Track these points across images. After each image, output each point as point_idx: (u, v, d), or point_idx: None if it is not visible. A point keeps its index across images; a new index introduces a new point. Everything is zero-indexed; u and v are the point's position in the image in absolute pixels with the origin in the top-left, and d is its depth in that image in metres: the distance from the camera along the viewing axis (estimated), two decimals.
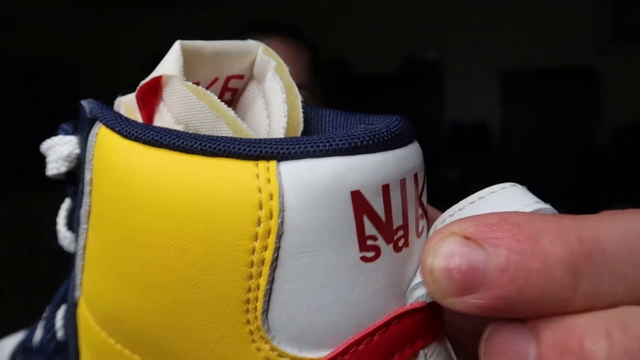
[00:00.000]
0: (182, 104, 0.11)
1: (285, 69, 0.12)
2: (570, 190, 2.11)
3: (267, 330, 0.10)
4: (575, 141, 2.11)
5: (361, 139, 0.09)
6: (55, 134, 0.14)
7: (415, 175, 0.10)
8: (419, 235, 0.11)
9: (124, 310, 0.10)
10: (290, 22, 0.62)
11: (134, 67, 2.67)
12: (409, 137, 0.10)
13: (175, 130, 0.10)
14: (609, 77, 2.02)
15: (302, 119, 0.11)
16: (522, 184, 0.12)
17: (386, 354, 0.10)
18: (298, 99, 0.11)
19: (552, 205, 0.11)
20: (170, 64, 0.11)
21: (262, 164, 0.09)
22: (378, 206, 0.09)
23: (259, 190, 0.09)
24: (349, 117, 0.13)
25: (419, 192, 0.11)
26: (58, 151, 0.14)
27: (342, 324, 0.10)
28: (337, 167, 0.09)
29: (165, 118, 0.11)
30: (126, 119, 0.11)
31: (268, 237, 0.09)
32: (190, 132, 0.10)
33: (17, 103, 2.26)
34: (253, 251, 0.09)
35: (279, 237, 0.09)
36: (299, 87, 0.12)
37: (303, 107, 0.12)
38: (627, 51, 2.02)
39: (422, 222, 0.11)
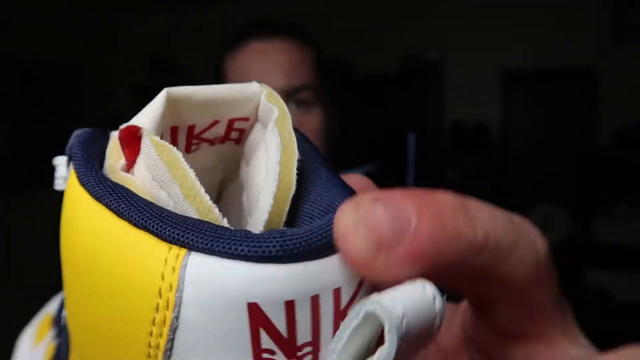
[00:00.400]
0: (149, 159, 0.10)
1: (288, 119, 0.11)
2: (570, 190, 2.11)
3: None
4: (575, 141, 2.11)
5: (274, 248, 0.09)
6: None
7: (337, 290, 0.09)
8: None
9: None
10: (293, 22, 0.62)
11: (134, 67, 2.67)
12: (334, 248, 0.09)
13: (120, 190, 0.10)
14: (609, 77, 2.02)
15: (295, 182, 0.11)
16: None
17: None
18: (294, 157, 0.11)
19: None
20: (149, 114, 0.11)
21: (175, 250, 0.09)
22: (278, 321, 0.09)
23: (162, 277, 0.09)
24: (335, 186, 0.12)
25: (342, 308, 0.10)
26: (60, 171, 0.14)
27: None
28: (239, 274, 0.08)
29: (141, 169, 0.11)
30: (88, 169, 0.10)
31: (164, 326, 0.09)
32: (162, 188, 0.10)
33: (16, 103, 2.26)
34: (151, 334, 0.09)
35: (174, 330, 0.09)
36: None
37: (299, 167, 0.11)
38: (627, 51, 2.02)
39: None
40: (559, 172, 2.15)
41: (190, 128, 0.12)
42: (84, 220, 0.10)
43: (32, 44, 2.34)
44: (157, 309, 0.09)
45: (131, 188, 0.10)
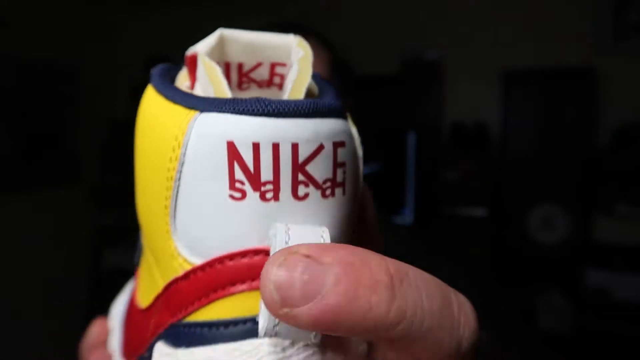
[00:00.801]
0: (199, 72, 0.14)
1: (309, 59, 0.14)
2: (570, 190, 2.11)
3: (173, 230, 0.13)
4: (575, 141, 2.11)
5: (251, 107, 0.12)
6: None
7: (295, 146, 0.12)
8: (297, 198, 0.12)
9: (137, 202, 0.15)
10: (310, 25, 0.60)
11: (134, 67, 2.67)
12: (306, 114, 0.12)
13: (173, 88, 0.14)
14: (610, 77, 2.02)
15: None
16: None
17: (237, 279, 0.13)
18: (305, 83, 0.14)
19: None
20: (204, 45, 0.14)
21: (191, 112, 0.12)
22: (247, 158, 0.12)
23: (179, 127, 0.12)
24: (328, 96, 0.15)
25: (300, 162, 0.12)
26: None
27: (217, 246, 0.13)
28: (222, 122, 0.12)
29: (197, 84, 0.15)
30: (156, 78, 0.15)
31: (176, 161, 0.13)
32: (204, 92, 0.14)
33: (16, 103, 2.26)
34: (169, 169, 0.13)
35: (182, 164, 0.12)
36: None
37: (315, 84, 0.15)
38: (627, 51, 2.02)
39: (306, 189, 0.12)
40: (559, 172, 2.15)
41: (240, 66, 0.15)
42: (148, 107, 0.14)
43: (32, 44, 2.34)
44: (173, 149, 0.13)
45: None
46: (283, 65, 0.15)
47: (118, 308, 0.22)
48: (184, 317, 0.13)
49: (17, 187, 2.07)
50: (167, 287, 0.14)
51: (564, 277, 2.06)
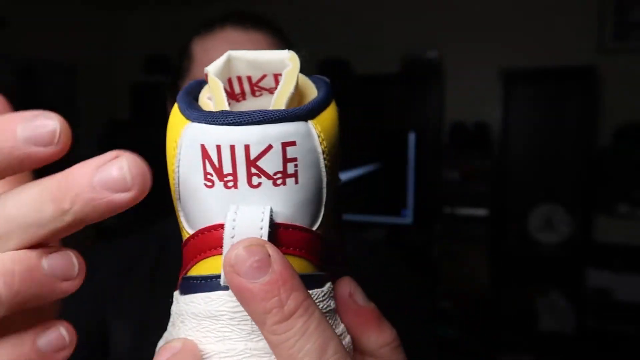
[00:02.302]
0: (207, 90, 0.18)
1: (295, 71, 0.17)
2: (571, 189, 2.11)
3: (180, 209, 0.18)
4: (576, 141, 2.11)
5: (217, 118, 0.16)
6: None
7: (247, 147, 0.16)
8: (252, 186, 0.16)
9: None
10: (274, 21, 0.60)
11: (134, 67, 2.67)
12: (256, 121, 0.16)
13: (190, 105, 0.17)
14: (611, 76, 2.02)
15: (284, 106, 0.17)
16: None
17: (211, 246, 0.17)
18: (287, 94, 0.17)
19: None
20: (215, 65, 0.18)
21: (186, 122, 0.17)
22: (214, 156, 0.16)
23: (178, 132, 0.17)
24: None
25: (252, 158, 0.16)
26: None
27: (200, 221, 0.17)
28: (200, 130, 0.16)
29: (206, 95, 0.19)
30: (181, 99, 0.18)
31: (176, 157, 0.17)
32: (211, 100, 0.18)
33: (15, 103, 2.26)
34: (173, 163, 0.17)
35: (179, 160, 0.17)
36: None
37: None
38: (628, 50, 2.02)
39: (259, 180, 0.16)
40: (560, 172, 2.15)
41: (249, 78, 0.19)
42: (171, 119, 0.18)
43: (32, 44, 2.34)
44: (174, 149, 0.17)
45: (207, 108, 0.18)
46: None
47: None
48: (186, 272, 0.18)
49: None
50: (182, 249, 0.18)
51: (565, 277, 2.06)
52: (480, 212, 2.14)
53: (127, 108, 2.70)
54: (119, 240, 0.57)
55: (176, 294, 0.18)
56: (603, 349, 1.94)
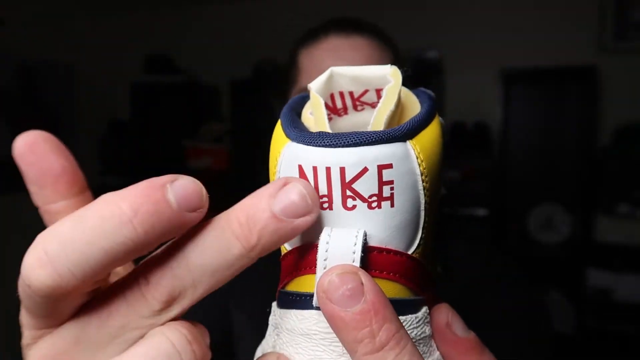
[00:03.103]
0: (310, 105, 0.18)
1: (397, 87, 0.17)
2: (571, 189, 2.11)
3: None
4: (577, 140, 2.11)
5: (314, 139, 0.16)
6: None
7: (342, 169, 0.16)
8: (346, 208, 0.16)
9: None
10: (375, 25, 0.62)
11: (134, 67, 2.67)
12: (353, 144, 0.16)
13: (291, 124, 0.18)
14: (611, 76, 2.02)
15: (384, 125, 0.17)
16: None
17: (306, 265, 0.17)
18: (387, 111, 0.17)
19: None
20: (318, 81, 0.18)
21: (286, 140, 0.17)
22: (310, 177, 0.16)
23: (279, 150, 0.17)
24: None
25: (347, 181, 0.16)
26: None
27: (297, 238, 0.17)
28: (298, 150, 0.16)
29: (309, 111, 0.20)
30: (283, 117, 0.19)
31: (276, 174, 0.17)
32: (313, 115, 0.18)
33: (15, 103, 2.26)
34: (274, 174, 0.18)
35: (278, 177, 0.17)
36: None
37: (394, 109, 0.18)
38: (629, 50, 2.01)
39: (353, 202, 0.16)
40: (560, 172, 2.15)
41: (351, 93, 0.19)
42: (275, 134, 0.18)
43: (32, 44, 2.34)
44: (274, 166, 0.17)
45: (309, 123, 0.19)
46: None
47: None
48: (283, 286, 0.18)
49: (17, 187, 2.06)
50: (280, 263, 0.19)
51: (565, 277, 2.06)
52: (480, 212, 2.14)
53: (127, 108, 2.70)
54: None
55: (274, 305, 0.19)
56: (603, 349, 1.94)
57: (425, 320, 0.18)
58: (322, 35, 0.56)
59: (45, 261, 0.13)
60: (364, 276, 0.15)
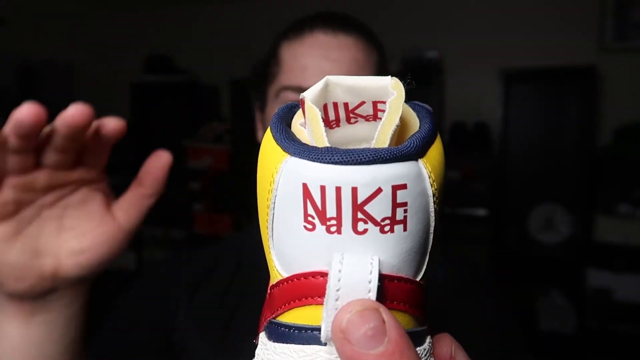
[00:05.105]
0: (306, 117, 0.16)
1: (400, 100, 0.16)
2: (571, 189, 2.11)
3: (272, 246, 0.17)
4: (577, 140, 2.10)
5: (322, 155, 0.15)
6: None
7: (354, 189, 0.14)
8: (357, 232, 0.15)
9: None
10: (363, 23, 0.58)
11: (134, 67, 2.67)
12: (366, 161, 0.14)
13: (284, 134, 0.16)
14: (611, 76, 2.02)
15: (389, 141, 0.16)
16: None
17: (308, 294, 0.15)
18: (392, 125, 0.15)
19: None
20: (312, 90, 0.16)
21: (285, 155, 0.15)
22: (317, 197, 0.15)
23: (275, 166, 0.16)
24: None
25: (359, 202, 0.14)
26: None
27: (296, 265, 0.16)
28: (301, 166, 0.15)
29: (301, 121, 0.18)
30: (273, 125, 0.17)
31: (272, 193, 0.16)
32: (306, 128, 0.17)
33: (15, 103, 2.26)
34: (268, 199, 0.16)
35: (275, 196, 0.16)
36: None
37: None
38: (629, 50, 2.01)
39: (365, 225, 0.15)
40: (560, 172, 2.15)
41: (346, 104, 0.17)
42: (265, 141, 0.17)
43: (32, 44, 2.34)
44: (270, 184, 0.16)
45: (300, 135, 0.17)
46: (383, 102, 0.17)
47: None
48: (276, 316, 0.16)
49: None
50: (270, 290, 0.17)
51: (565, 277, 2.06)
52: (480, 212, 2.14)
53: (127, 108, 2.70)
54: (197, 250, 0.55)
55: (263, 336, 0.17)
56: (603, 349, 1.94)
57: (430, 352, 0.17)
58: (307, 30, 0.52)
59: None
60: (385, 313, 0.14)
